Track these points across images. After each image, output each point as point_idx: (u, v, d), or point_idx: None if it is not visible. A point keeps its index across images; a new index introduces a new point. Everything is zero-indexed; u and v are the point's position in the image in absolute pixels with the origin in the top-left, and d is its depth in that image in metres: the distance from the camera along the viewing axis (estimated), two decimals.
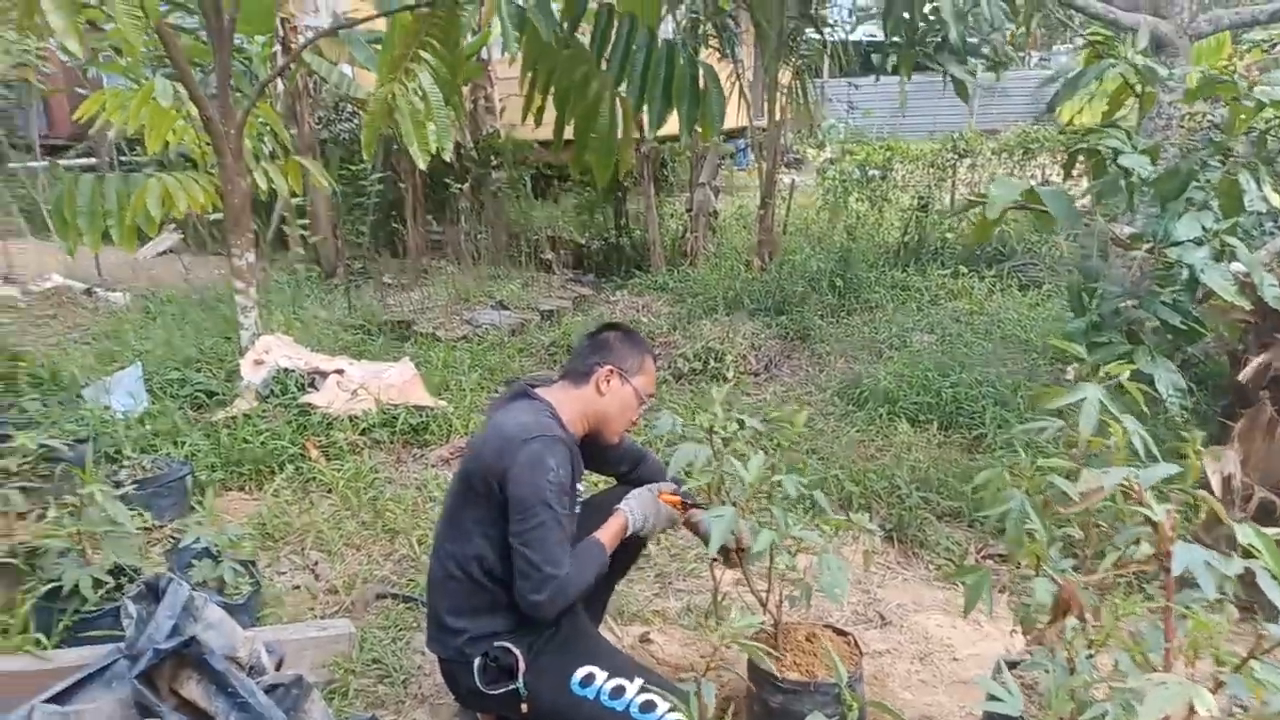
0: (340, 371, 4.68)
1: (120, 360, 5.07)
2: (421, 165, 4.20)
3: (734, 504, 2.35)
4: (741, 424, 2.49)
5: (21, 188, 8.97)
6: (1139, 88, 3.59)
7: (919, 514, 3.74)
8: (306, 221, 7.79)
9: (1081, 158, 3.47)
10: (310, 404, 4.42)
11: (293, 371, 4.57)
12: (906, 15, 3.50)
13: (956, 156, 8.58)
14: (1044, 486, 2.24)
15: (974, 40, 3.68)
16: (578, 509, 2.32)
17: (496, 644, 2.17)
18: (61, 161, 10.17)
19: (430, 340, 6.31)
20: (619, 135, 4.54)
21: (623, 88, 4.49)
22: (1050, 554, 2.11)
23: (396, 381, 4.81)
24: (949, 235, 8.13)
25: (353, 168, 7.93)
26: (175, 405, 4.46)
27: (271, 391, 4.50)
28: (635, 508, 2.34)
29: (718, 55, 7.84)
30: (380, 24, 7.14)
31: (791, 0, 6.97)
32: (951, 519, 3.82)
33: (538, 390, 2.35)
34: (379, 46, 7.45)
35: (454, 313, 7.08)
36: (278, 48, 7.43)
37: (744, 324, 6.50)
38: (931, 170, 8.71)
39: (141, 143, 5.57)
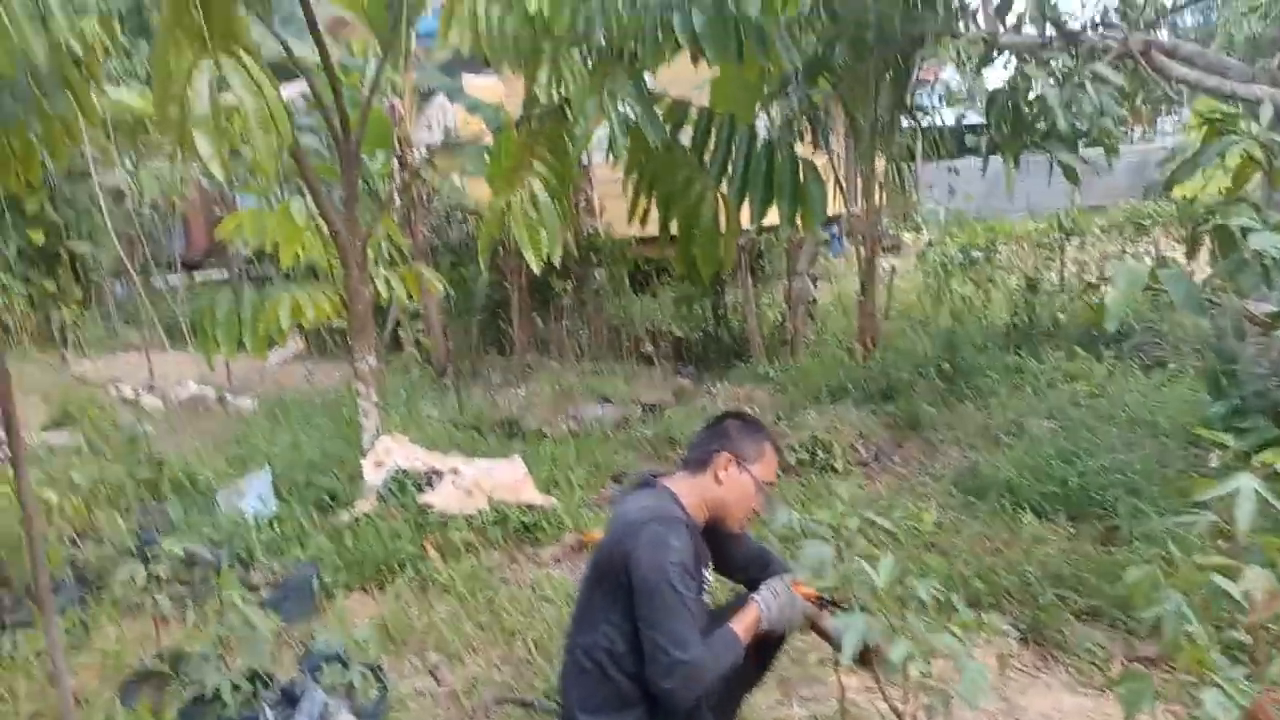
0: (455, 471, 4.80)
1: (250, 464, 5.33)
2: (536, 270, 4.36)
3: (863, 607, 2.28)
4: (870, 523, 2.44)
5: (163, 302, 9.71)
6: (1268, 163, 3.45)
7: (1055, 613, 3.52)
8: (421, 326, 8.15)
9: (1206, 235, 3.33)
10: (428, 504, 4.54)
11: (410, 472, 4.71)
12: (1010, 105, 3.52)
13: (1063, 235, 8.36)
14: (1201, 585, 2.09)
15: (1081, 124, 3.65)
16: (705, 596, 2.29)
17: None
18: (197, 275, 11.02)
19: (537, 437, 6.42)
20: (723, 231, 4.63)
21: (724, 185, 4.61)
22: (1216, 660, 1.95)
23: (507, 480, 4.89)
24: (1061, 316, 7.87)
25: (462, 271, 8.31)
26: (301, 508, 4.64)
27: (391, 492, 4.64)
28: (769, 599, 2.29)
29: (812, 147, 7.96)
30: (487, 135, 7.60)
31: (884, 91, 7.06)
32: (1091, 618, 3.58)
33: (660, 479, 2.38)
34: (487, 156, 7.90)
35: (559, 409, 7.20)
36: (394, 163, 7.94)
37: (850, 413, 6.39)
38: (1038, 250, 8.50)
39: (267, 255, 5.99)
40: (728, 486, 2.34)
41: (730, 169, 4.55)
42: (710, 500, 2.34)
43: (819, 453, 5.63)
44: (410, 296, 5.88)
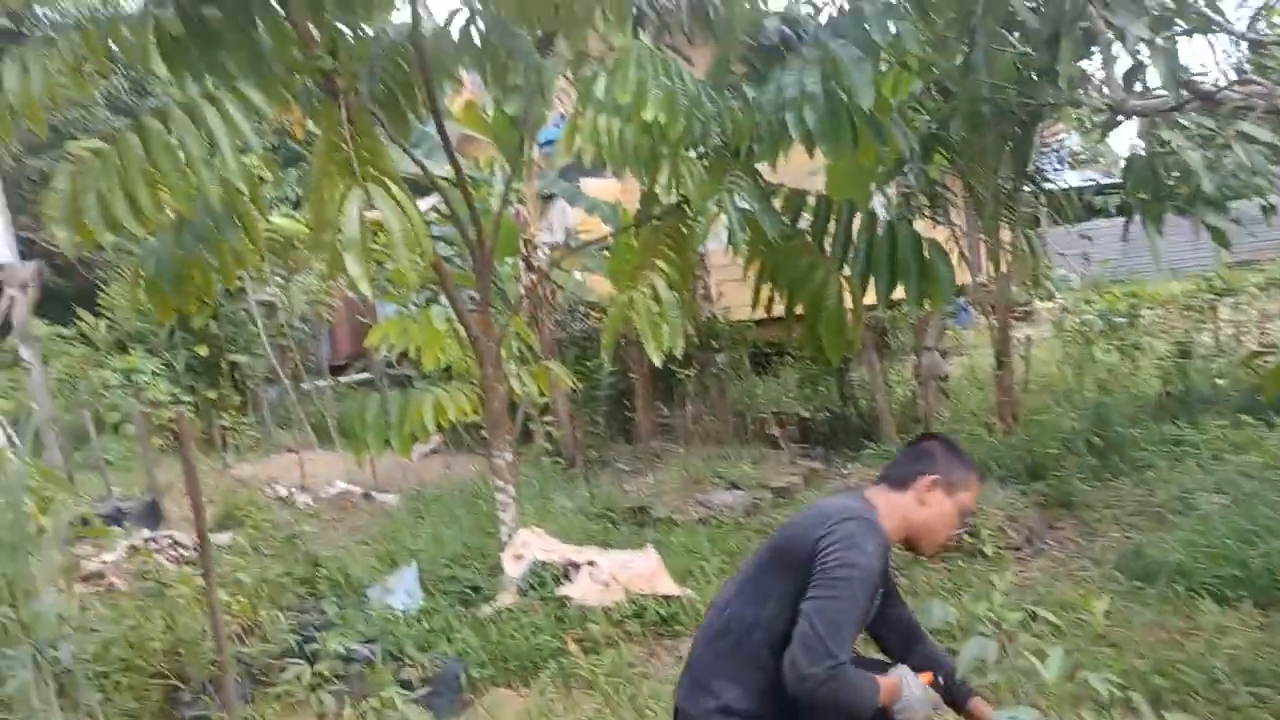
0: (591, 563, 4.83)
1: (397, 559, 5.53)
2: (657, 362, 4.45)
3: (1033, 705, 2.15)
4: (1032, 614, 2.32)
5: (312, 405, 10.36)
6: None
7: (1252, 715, 3.19)
8: (552, 419, 8.37)
9: None
10: (566, 596, 4.58)
11: (549, 565, 4.78)
12: (1149, 170, 3.40)
13: (1215, 296, 7.86)
14: None
15: (1228, 184, 3.48)
16: (870, 616, 2.22)
17: None
18: (343, 379, 11.73)
19: (668, 525, 6.40)
20: (849, 314, 4.61)
21: (846, 268, 4.60)
22: None
23: (643, 571, 4.88)
24: (1220, 382, 7.33)
25: (587, 363, 8.53)
26: (446, 602, 4.76)
27: (530, 585, 4.71)
28: (911, 681, 2.19)
29: (932, 222, 7.85)
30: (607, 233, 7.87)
31: (1005, 162, 6.93)
32: None
33: (862, 490, 2.37)
34: (607, 253, 8.18)
35: (687, 495, 7.17)
36: (521, 265, 8.32)
37: (995, 493, 6.08)
38: (1187, 313, 8.00)
39: (406, 358, 6.33)
40: (931, 510, 2.28)
41: (852, 252, 4.56)
42: (910, 521, 2.28)
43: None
44: (541, 392, 6.07)
